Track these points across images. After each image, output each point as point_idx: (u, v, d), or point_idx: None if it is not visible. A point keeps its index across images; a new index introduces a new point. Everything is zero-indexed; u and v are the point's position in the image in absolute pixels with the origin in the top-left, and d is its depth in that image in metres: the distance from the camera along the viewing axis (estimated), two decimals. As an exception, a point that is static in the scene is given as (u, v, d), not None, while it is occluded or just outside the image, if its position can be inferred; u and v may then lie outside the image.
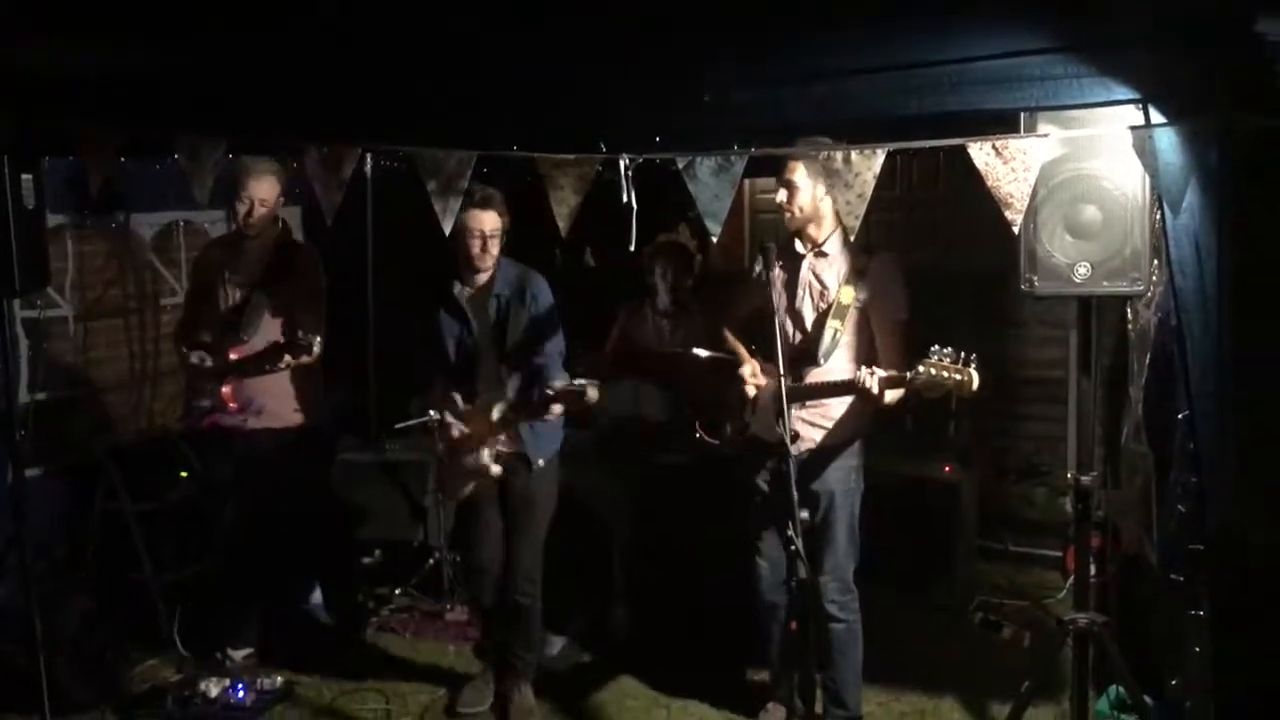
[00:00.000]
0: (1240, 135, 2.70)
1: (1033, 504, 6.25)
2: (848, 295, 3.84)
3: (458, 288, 4.21)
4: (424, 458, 5.43)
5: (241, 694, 4.42)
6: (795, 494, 3.32)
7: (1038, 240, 3.28)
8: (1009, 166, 2.92)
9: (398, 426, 4.98)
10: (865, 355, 3.86)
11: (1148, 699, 3.57)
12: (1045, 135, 3.04)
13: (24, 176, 3.78)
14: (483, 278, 4.21)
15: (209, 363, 4.51)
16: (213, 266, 4.72)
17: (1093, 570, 3.64)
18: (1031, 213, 3.18)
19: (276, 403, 4.55)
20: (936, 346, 3.46)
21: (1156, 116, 2.90)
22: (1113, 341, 4.68)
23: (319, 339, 4.46)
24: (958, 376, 3.41)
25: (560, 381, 3.91)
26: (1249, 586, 3.07)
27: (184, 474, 5.55)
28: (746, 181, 5.38)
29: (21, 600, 3.97)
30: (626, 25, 2.98)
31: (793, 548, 3.29)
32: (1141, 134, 2.87)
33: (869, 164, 3.02)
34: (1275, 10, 2.47)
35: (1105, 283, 3.26)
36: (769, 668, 4.36)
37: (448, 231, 3.46)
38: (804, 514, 3.36)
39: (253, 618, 4.84)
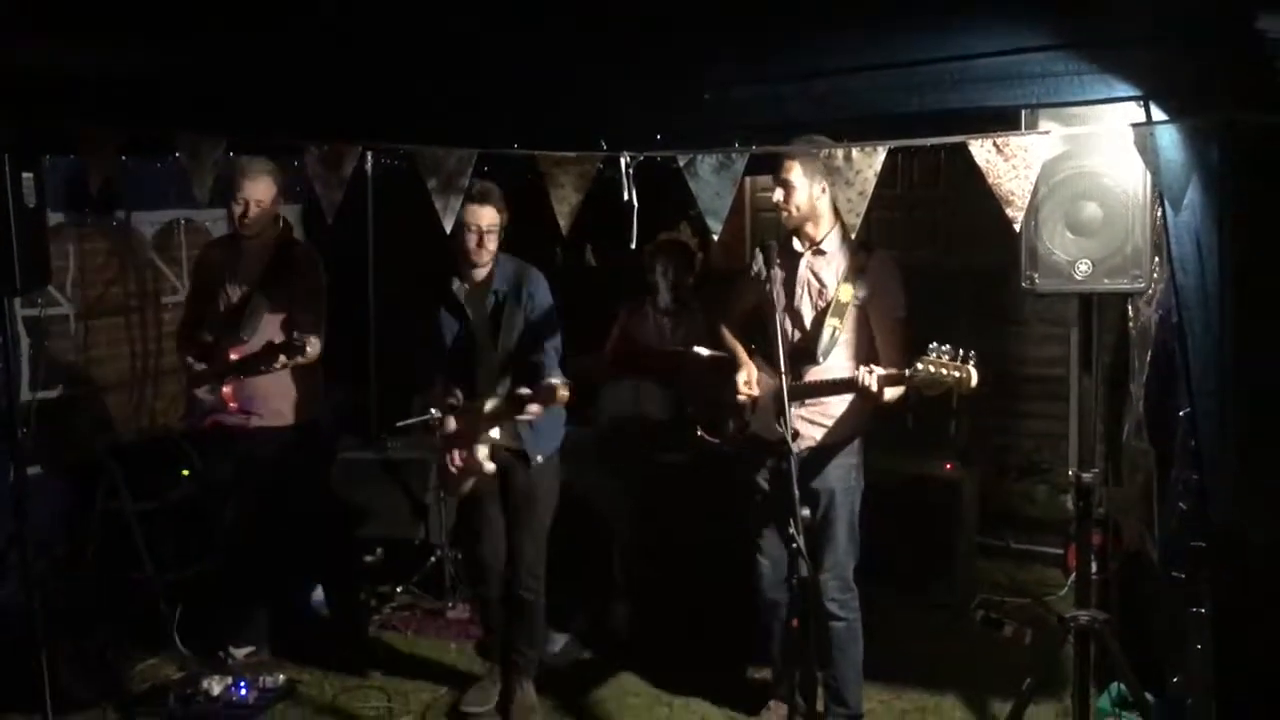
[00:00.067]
0: (1241, 132, 2.69)
1: (1034, 501, 6.25)
2: (846, 293, 3.84)
3: (456, 284, 4.22)
4: (425, 455, 5.43)
5: (243, 692, 4.42)
6: (797, 492, 3.32)
7: (1039, 237, 3.28)
8: (1010, 164, 2.92)
9: (399, 424, 4.99)
10: (864, 353, 3.86)
11: (1149, 696, 3.57)
12: (1046, 132, 3.04)
13: (25, 175, 3.78)
14: (481, 273, 4.21)
15: (199, 367, 4.52)
16: (212, 267, 4.71)
17: (1094, 568, 3.64)
18: (1032, 210, 3.17)
19: (277, 402, 4.55)
20: (935, 344, 3.46)
21: (1158, 113, 2.90)
22: (1114, 339, 4.68)
23: (317, 338, 4.46)
24: (956, 374, 3.41)
25: (556, 379, 3.92)
26: (1250, 584, 3.08)
27: (185, 472, 5.56)
28: (747, 179, 5.39)
29: (23, 598, 3.97)
30: (627, 24, 2.98)
31: (794, 546, 3.28)
32: (1143, 131, 2.86)
33: (870, 161, 3.02)
34: (1276, 7, 2.47)
35: (1106, 280, 3.26)
36: (770, 666, 4.36)
37: (449, 229, 3.47)
38: (805, 512, 3.36)
39: (255, 616, 4.84)
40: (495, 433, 4.04)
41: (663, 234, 5.37)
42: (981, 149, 2.93)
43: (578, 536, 4.89)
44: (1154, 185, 3.08)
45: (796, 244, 3.94)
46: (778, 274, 3.95)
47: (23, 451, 4.02)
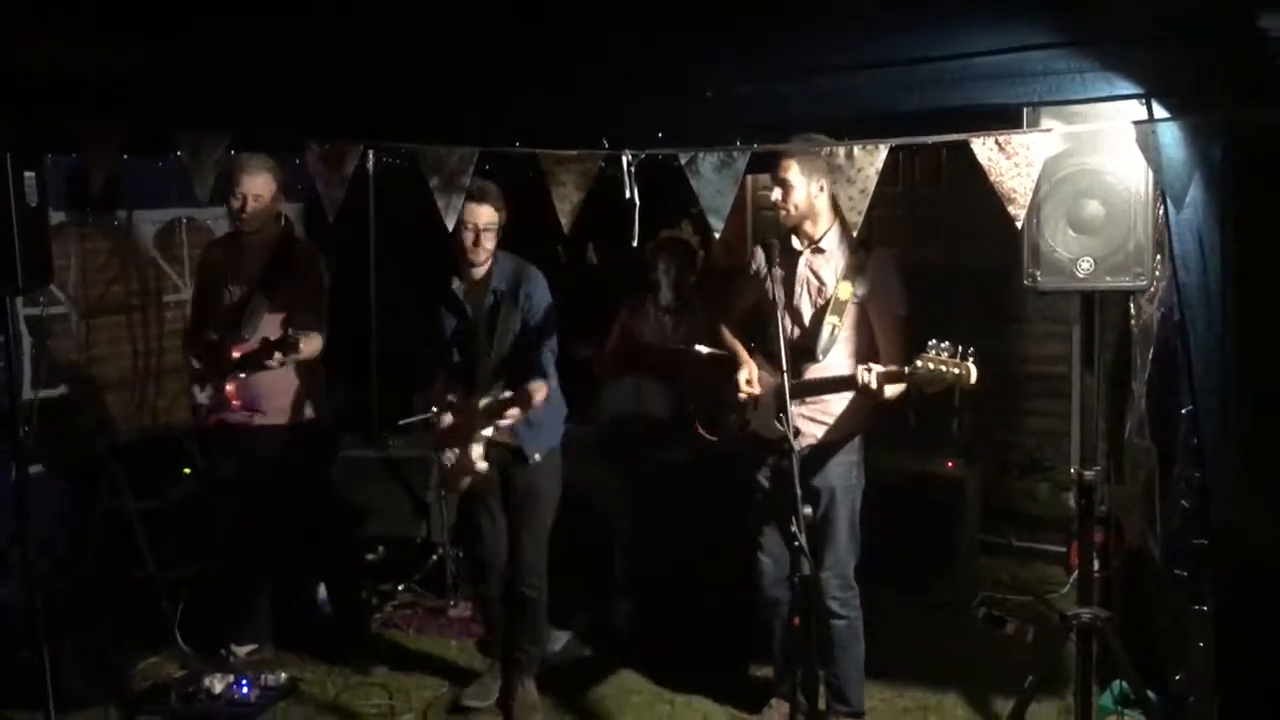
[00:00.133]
0: (1243, 130, 2.69)
1: (1036, 499, 6.25)
2: (845, 291, 3.85)
3: (455, 283, 4.22)
4: (426, 454, 5.44)
5: (245, 690, 4.42)
6: (799, 490, 3.32)
7: (1041, 235, 3.27)
8: (1012, 162, 2.91)
9: (400, 422, 4.99)
10: (864, 351, 3.86)
11: (1151, 694, 3.57)
12: (1048, 130, 3.04)
13: (27, 174, 3.78)
14: (479, 272, 4.21)
15: (198, 365, 4.52)
16: (214, 266, 4.72)
17: (1096, 565, 3.63)
18: (1034, 208, 3.17)
19: (281, 400, 4.55)
20: (934, 340, 3.46)
21: (1160, 111, 2.90)
22: (1116, 337, 4.68)
23: (318, 335, 4.46)
24: (956, 370, 3.41)
25: (538, 382, 3.98)
26: (1251, 582, 3.08)
27: (187, 471, 5.56)
28: (749, 177, 5.38)
29: (25, 597, 3.97)
30: (628, 22, 2.97)
31: (796, 544, 3.28)
32: (1145, 129, 2.86)
33: (872, 159, 3.02)
34: (1277, 6, 2.47)
35: (1108, 278, 3.25)
36: (772, 664, 4.36)
37: (450, 227, 3.47)
38: (807, 510, 3.36)
39: (257, 614, 4.84)
40: (489, 431, 4.05)
41: (664, 232, 5.36)
42: (983, 147, 2.93)
43: (579, 534, 4.88)
44: (1156, 183, 3.08)
45: (795, 242, 3.94)
46: (777, 272, 3.94)
47: (24, 450, 4.03)
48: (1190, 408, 3.16)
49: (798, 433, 3.62)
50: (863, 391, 3.67)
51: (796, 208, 3.84)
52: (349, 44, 3.30)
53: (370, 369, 5.84)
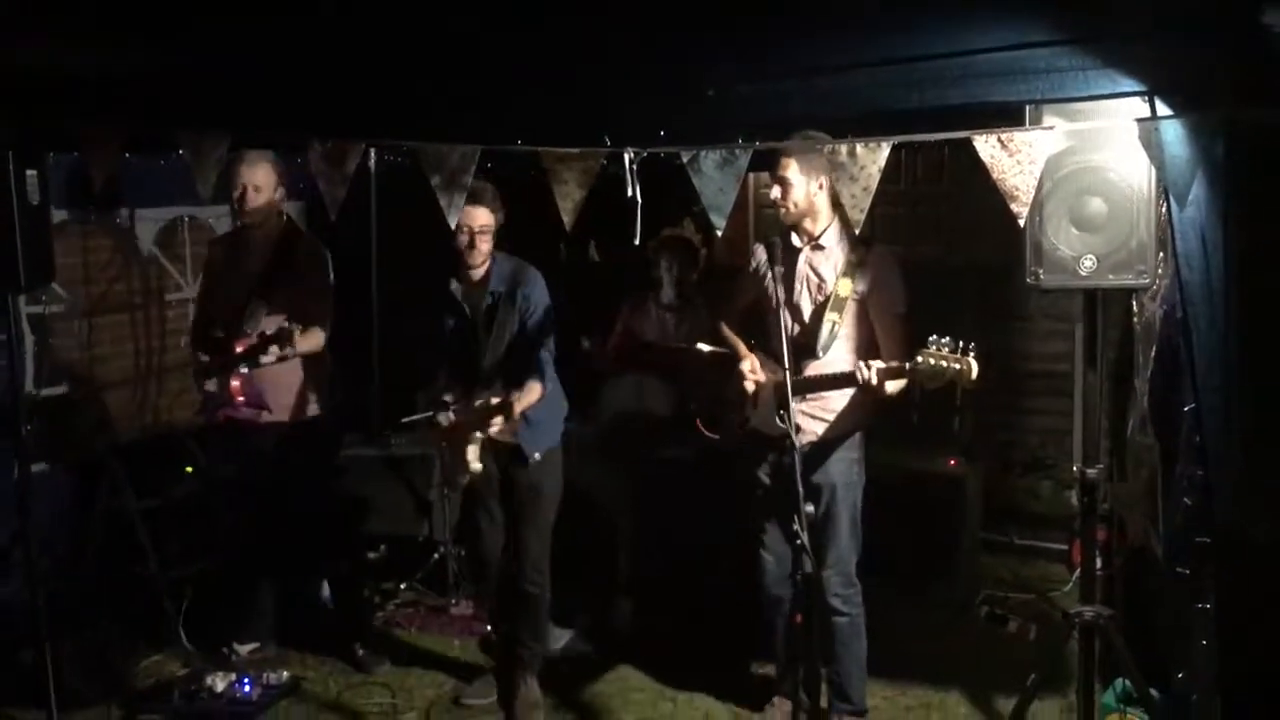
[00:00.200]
0: (1246, 128, 2.69)
1: (1038, 497, 6.25)
2: (845, 288, 3.85)
3: (454, 284, 4.22)
4: (428, 452, 5.44)
5: (247, 688, 4.42)
6: (800, 488, 3.32)
7: (1043, 233, 3.27)
8: (1014, 159, 2.91)
9: (403, 420, 4.99)
10: (865, 348, 3.86)
11: (1154, 692, 3.57)
12: (1051, 128, 3.03)
13: (29, 173, 3.78)
14: (478, 273, 4.21)
15: (204, 358, 4.52)
16: (218, 263, 4.73)
17: (1098, 563, 3.63)
18: (1037, 206, 3.16)
19: (288, 396, 4.54)
20: (935, 336, 3.46)
21: (1162, 109, 2.90)
22: (1118, 334, 4.68)
23: (319, 328, 4.45)
24: (957, 365, 3.40)
25: (532, 383, 4.00)
26: (1254, 580, 3.07)
27: (189, 470, 5.56)
28: (750, 175, 5.38)
29: (27, 596, 3.98)
30: (628, 22, 2.97)
31: (798, 542, 3.28)
32: (1147, 126, 2.86)
33: (874, 157, 3.02)
34: (1280, 2, 2.47)
35: (1111, 276, 3.25)
36: (774, 662, 4.36)
37: (453, 226, 3.47)
38: (809, 508, 3.36)
39: (259, 613, 4.84)
40: (484, 432, 4.06)
41: (666, 230, 5.36)
42: (986, 144, 2.92)
43: (581, 532, 4.88)
44: (1159, 180, 3.07)
45: (795, 239, 3.94)
46: (778, 270, 3.94)
47: (26, 449, 4.03)
48: (1193, 405, 3.15)
49: (798, 430, 3.62)
50: (863, 388, 3.67)
51: (796, 205, 3.84)
52: (350, 43, 3.30)
53: (372, 367, 5.84)
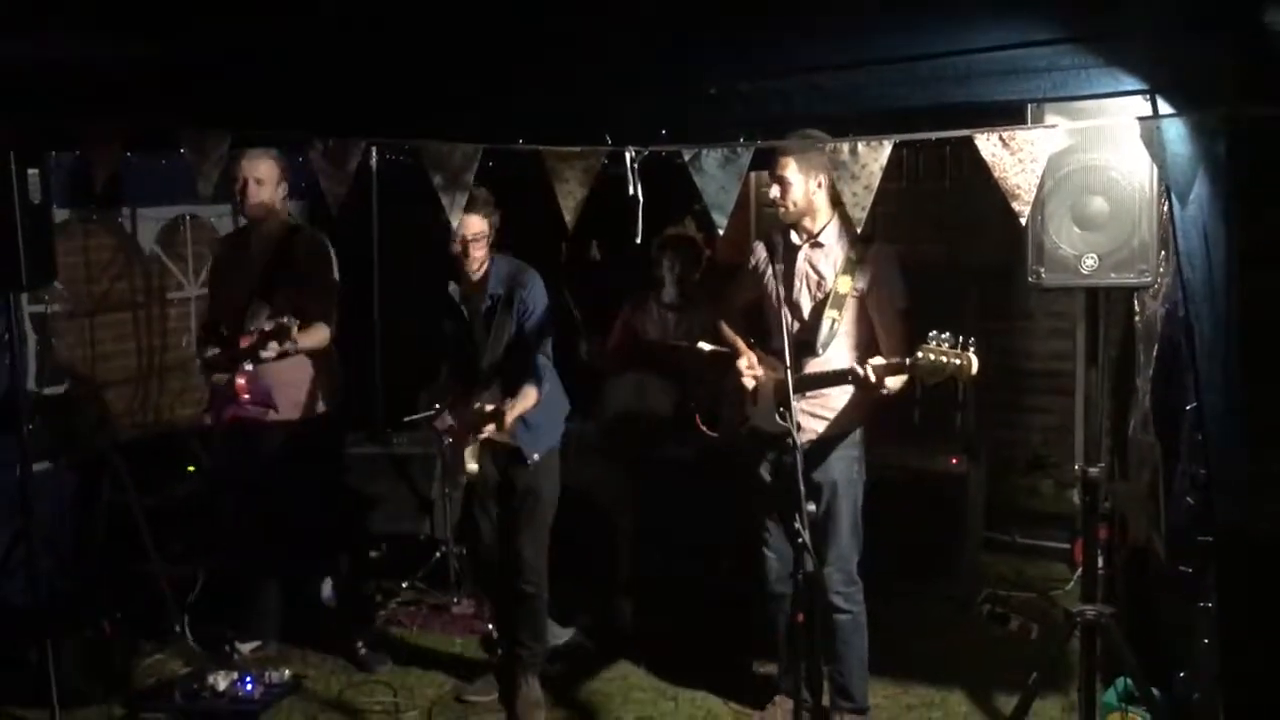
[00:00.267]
0: (1248, 126, 2.69)
1: (1040, 496, 6.25)
2: (845, 285, 3.85)
3: (452, 286, 4.22)
4: (430, 451, 5.44)
5: (249, 687, 4.41)
6: (802, 487, 3.32)
7: (1045, 232, 3.26)
8: (1016, 158, 2.91)
9: (406, 419, 4.99)
10: (865, 345, 3.86)
11: (1155, 691, 3.57)
12: (1053, 126, 3.03)
13: (30, 171, 3.79)
14: (476, 275, 4.21)
15: (210, 353, 4.52)
16: (222, 262, 4.73)
17: (1100, 562, 3.63)
18: (1038, 204, 3.16)
19: (295, 395, 4.53)
20: (935, 332, 3.46)
21: (1164, 107, 2.90)
22: (1119, 333, 4.68)
23: (323, 324, 4.44)
24: (957, 360, 3.40)
25: (541, 387, 4.00)
26: (1255, 579, 3.07)
27: (191, 468, 5.57)
28: (752, 174, 5.38)
29: (29, 594, 3.98)
30: (629, 21, 2.98)
31: (800, 540, 3.28)
32: (1149, 125, 2.86)
33: (876, 156, 3.02)
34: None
35: (1113, 274, 3.24)
36: (776, 660, 4.36)
37: (455, 224, 3.47)
38: (811, 506, 3.36)
39: (261, 611, 4.84)
40: (482, 434, 4.07)
41: (670, 229, 5.36)
42: (987, 143, 2.92)
43: (582, 531, 4.88)
44: (1160, 179, 3.07)
45: (795, 237, 3.95)
46: (778, 267, 3.94)
47: (29, 447, 4.03)
48: (1194, 404, 3.15)
49: (799, 427, 3.62)
50: (863, 385, 3.67)
51: (795, 204, 3.84)
52: (351, 42, 3.31)
53: (374, 366, 5.84)
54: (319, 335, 4.46)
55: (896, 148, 3.02)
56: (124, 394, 5.76)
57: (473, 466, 4.11)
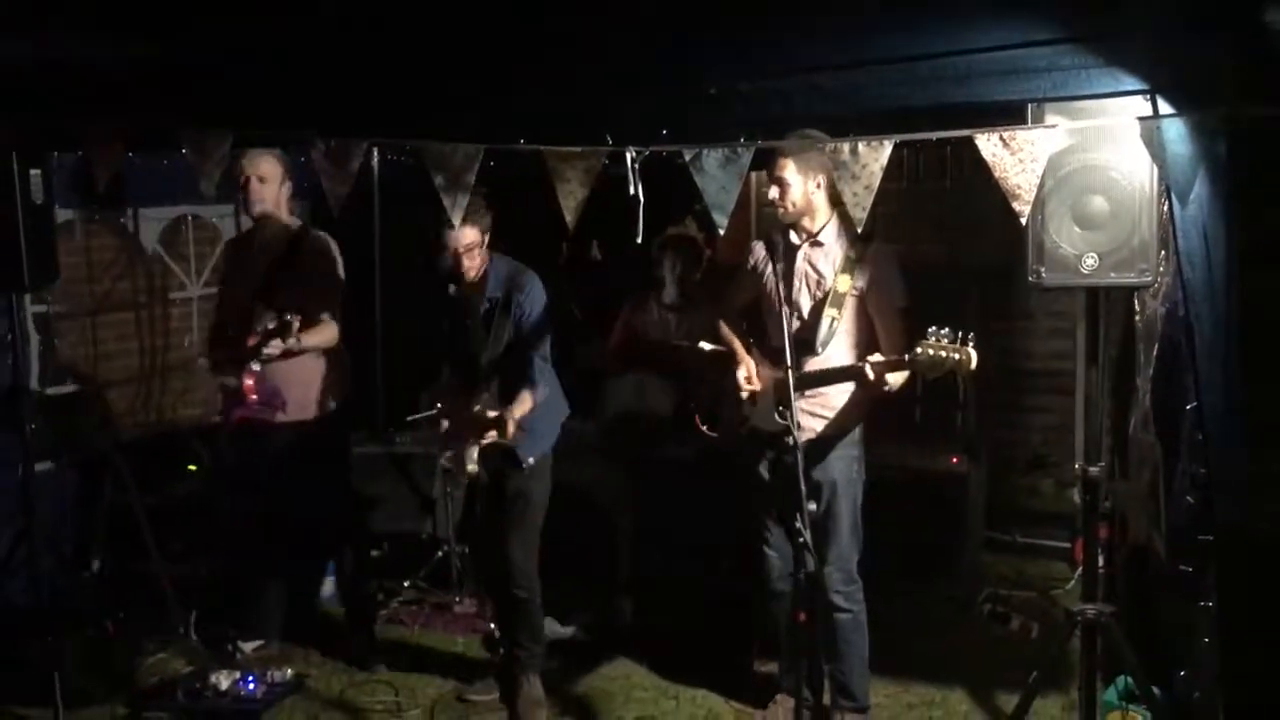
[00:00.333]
0: (1248, 126, 2.69)
1: (1040, 495, 6.25)
2: (844, 284, 3.86)
3: (452, 288, 4.23)
4: (432, 450, 5.44)
5: (252, 686, 4.42)
6: (804, 486, 3.32)
7: (1045, 232, 3.27)
8: (1016, 158, 2.91)
9: (408, 419, 5.00)
10: (864, 343, 3.87)
11: (1156, 690, 3.58)
12: (1053, 126, 3.03)
13: (32, 172, 3.80)
14: (474, 278, 4.21)
15: (221, 358, 4.52)
16: (230, 263, 4.75)
17: (1100, 561, 3.63)
18: (1039, 204, 3.17)
19: (301, 392, 4.53)
20: (934, 328, 3.47)
21: (1164, 107, 2.90)
22: (1120, 333, 4.68)
23: (331, 322, 4.45)
24: (956, 355, 3.41)
25: (539, 391, 4.01)
26: (1255, 578, 3.08)
27: (192, 468, 5.58)
28: (753, 174, 5.39)
29: (32, 594, 3.99)
30: (630, 20, 2.98)
31: (800, 540, 3.29)
32: (1149, 125, 2.86)
33: (876, 156, 3.02)
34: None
35: (1113, 274, 3.24)
36: (777, 659, 4.36)
37: (457, 224, 3.46)
38: (812, 505, 3.36)
39: (264, 611, 4.85)
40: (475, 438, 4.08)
41: (672, 229, 5.37)
42: (988, 143, 2.93)
43: (582, 531, 4.89)
44: (1160, 179, 3.08)
45: (794, 236, 3.95)
46: (779, 266, 3.95)
47: (31, 447, 4.04)
48: (1194, 403, 3.16)
49: (799, 426, 3.63)
50: (864, 381, 3.68)
51: (794, 205, 3.85)
52: (352, 42, 3.31)
53: (376, 365, 5.85)
54: (327, 333, 4.46)
55: (897, 148, 3.02)
56: (126, 394, 5.77)
57: (473, 468, 4.12)
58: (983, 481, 5.54)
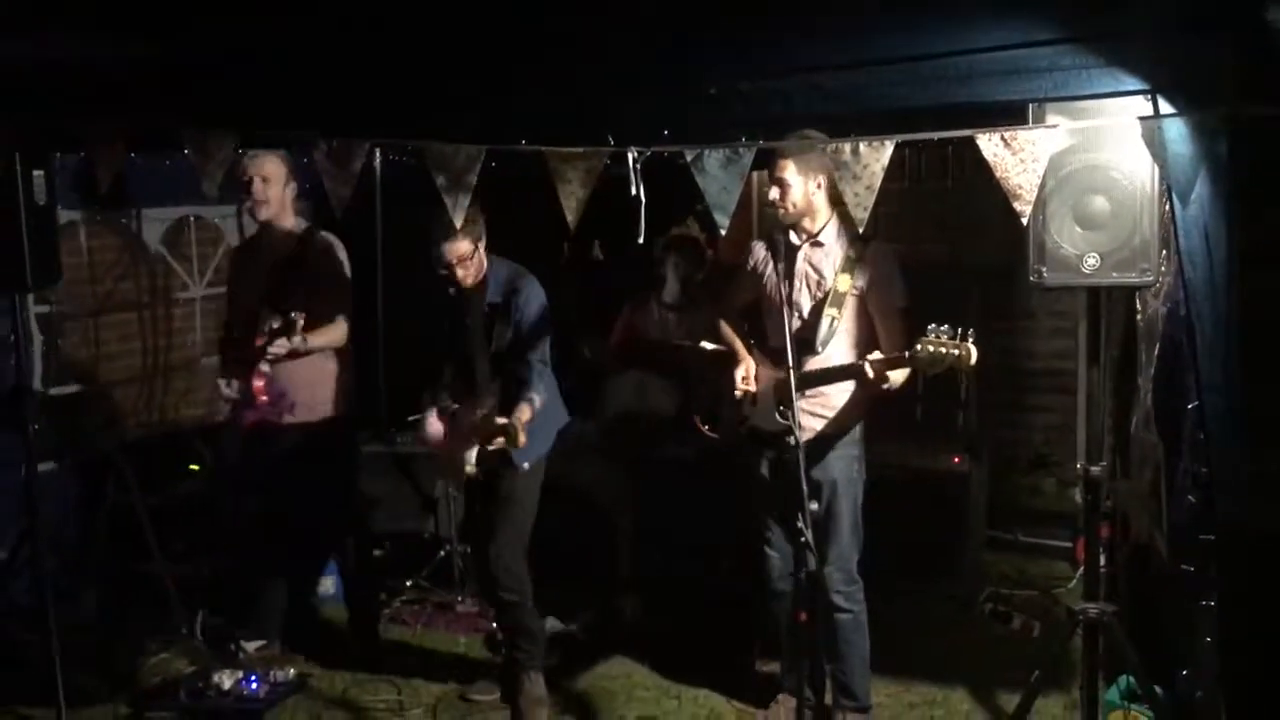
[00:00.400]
0: (1249, 125, 2.69)
1: (1042, 494, 6.25)
2: (844, 283, 3.86)
3: (453, 291, 4.23)
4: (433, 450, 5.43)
5: (254, 686, 4.42)
6: (805, 486, 3.33)
7: (1046, 231, 3.27)
8: (1018, 158, 2.92)
9: (410, 419, 5.00)
10: (864, 343, 3.87)
11: (1158, 689, 3.58)
12: (1054, 126, 3.04)
13: (35, 173, 3.80)
14: (472, 284, 4.21)
15: (230, 361, 4.52)
16: (236, 268, 4.75)
17: (1102, 560, 3.64)
18: (1040, 204, 3.17)
19: (311, 396, 4.53)
20: (934, 325, 3.47)
21: (1165, 107, 2.90)
22: (1121, 332, 4.68)
23: (341, 320, 4.45)
24: (956, 351, 3.42)
25: (524, 403, 4.00)
26: (1257, 577, 3.08)
27: (194, 468, 5.58)
28: (754, 174, 5.39)
29: (35, 594, 3.99)
30: (630, 20, 2.98)
31: (802, 540, 3.29)
32: (1150, 124, 2.86)
33: (877, 156, 3.02)
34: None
35: (1114, 274, 3.25)
36: (779, 659, 4.37)
37: (459, 225, 3.46)
38: (813, 505, 3.37)
39: (266, 610, 4.85)
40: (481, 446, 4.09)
41: (674, 229, 5.37)
42: (989, 143, 2.93)
43: (582, 531, 4.89)
44: (1162, 178, 3.08)
45: (794, 236, 3.96)
46: (779, 266, 3.95)
47: (34, 447, 4.04)
48: (1196, 403, 3.16)
49: (799, 426, 3.63)
50: (865, 379, 3.68)
51: (794, 205, 3.85)
52: (352, 42, 3.31)
53: (378, 365, 5.85)
54: (335, 333, 4.47)
55: (898, 148, 3.02)
56: (129, 394, 5.77)
57: (471, 469, 4.12)
58: (984, 481, 5.55)
